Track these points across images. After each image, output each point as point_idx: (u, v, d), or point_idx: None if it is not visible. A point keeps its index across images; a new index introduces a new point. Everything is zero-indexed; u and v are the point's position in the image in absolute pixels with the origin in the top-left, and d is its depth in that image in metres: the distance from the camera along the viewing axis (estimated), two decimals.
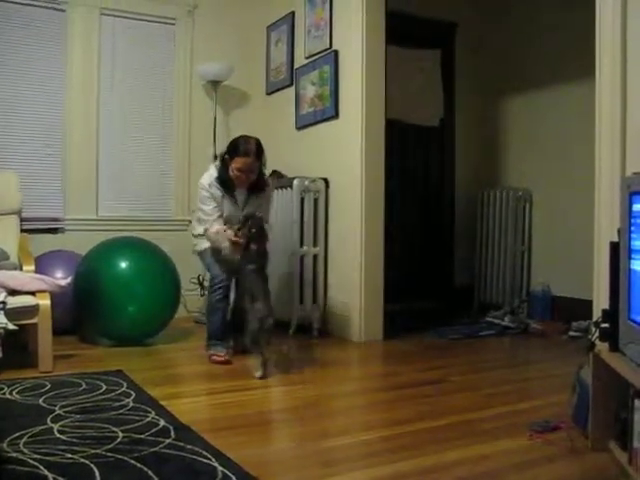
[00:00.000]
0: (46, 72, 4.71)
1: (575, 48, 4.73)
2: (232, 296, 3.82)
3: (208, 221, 3.64)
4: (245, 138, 3.65)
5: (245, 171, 3.60)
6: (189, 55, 5.24)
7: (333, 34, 4.54)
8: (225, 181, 3.66)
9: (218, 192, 3.65)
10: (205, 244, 3.75)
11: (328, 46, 4.58)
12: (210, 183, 3.65)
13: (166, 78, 5.19)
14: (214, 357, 3.57)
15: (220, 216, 3.65)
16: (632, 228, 1.99)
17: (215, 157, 3.80)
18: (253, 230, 3.40)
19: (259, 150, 3.63)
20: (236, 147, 3.61)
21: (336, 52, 4.49)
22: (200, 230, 3.75)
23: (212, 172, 3.70)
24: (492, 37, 5.77)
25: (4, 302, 3.12)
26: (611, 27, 2.79)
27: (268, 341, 3.26)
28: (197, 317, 4.91)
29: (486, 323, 4.85)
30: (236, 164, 3.58)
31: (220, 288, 3.63)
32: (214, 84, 5.11)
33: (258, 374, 3.18)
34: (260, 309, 3.23)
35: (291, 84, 5.07)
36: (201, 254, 3.84)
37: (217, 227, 3.59)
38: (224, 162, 3.67)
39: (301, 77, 4.92)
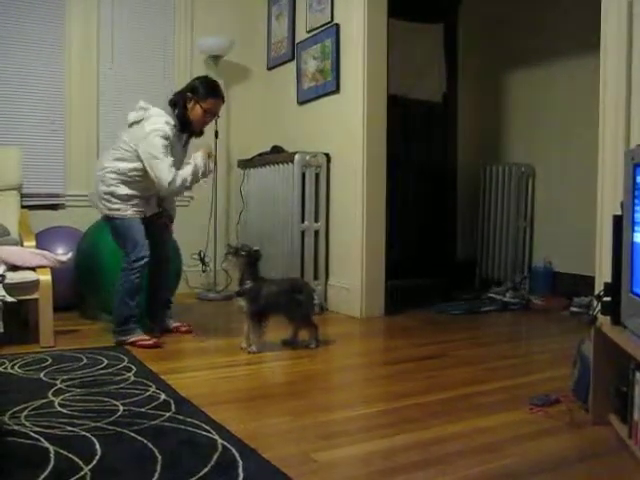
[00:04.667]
0: (46, 46, 4.64)
1: (579, 21, 4.67)
2: None
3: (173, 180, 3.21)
4: (215, 81, 3.47)
5: (214, 114, 3.46)
6: (189, 29, 5.18)
7: (335, 7, 4.48)
8: (186, 123, 3.38)
9: (173, 138, 3.30)
10: (131, 210, 3.34)
11: (329, 20, 4.52)
12: (171, 128, 3.28)
13: (167, 52, 5.13)
14: (141, 342, 3.27)
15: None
16: (636, 200, 1.97)
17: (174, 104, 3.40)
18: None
19: None
20: (212, 88, 3.39)
21: (337, 26, 4.43)
22: (123, 191, 3.30)
23: (165, 117, 3.30)
24: (495, 12, 5.69)
25: (3, 275, 3.12)
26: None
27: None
28: (201, 294, 4.94)
29: (488, 299, 4.86)
30: (208, 105, 3.35)
31: (143, 268, 3.31)
32: (215, 59, 5.07)
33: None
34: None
35: (292, 59, 5.02)
36: (123, 222, 3.33)
37: None
38: (182, 102, 3.36)
39: (302, 51, 4.87)
